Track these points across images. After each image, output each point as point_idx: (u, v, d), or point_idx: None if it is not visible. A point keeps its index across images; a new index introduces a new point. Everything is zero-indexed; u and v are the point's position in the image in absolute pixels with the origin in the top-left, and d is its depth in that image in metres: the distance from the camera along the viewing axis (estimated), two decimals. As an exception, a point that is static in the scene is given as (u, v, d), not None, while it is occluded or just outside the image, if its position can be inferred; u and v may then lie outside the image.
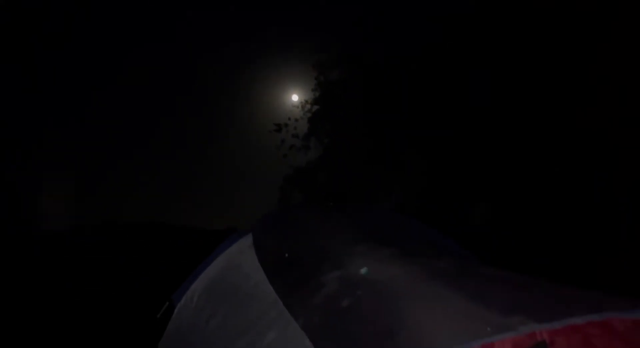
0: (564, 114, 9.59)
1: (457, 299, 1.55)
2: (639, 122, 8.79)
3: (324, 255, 1.77)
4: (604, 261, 7.85)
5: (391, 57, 10.14)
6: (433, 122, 9.71)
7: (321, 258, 1.75)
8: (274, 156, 11.86)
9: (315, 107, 12.34)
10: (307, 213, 2.28)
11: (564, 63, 9.65)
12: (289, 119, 12.62)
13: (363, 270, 1.59)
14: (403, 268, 1.75)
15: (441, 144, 9.78)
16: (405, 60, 9.97)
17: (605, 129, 9.25)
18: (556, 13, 9.83)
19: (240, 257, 1.98)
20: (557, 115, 9.69)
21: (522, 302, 1.48)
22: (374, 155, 10.88)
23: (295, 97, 12.87)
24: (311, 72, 12.16)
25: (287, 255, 1.90)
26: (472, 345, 1.34)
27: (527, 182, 9.92)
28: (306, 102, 12.35)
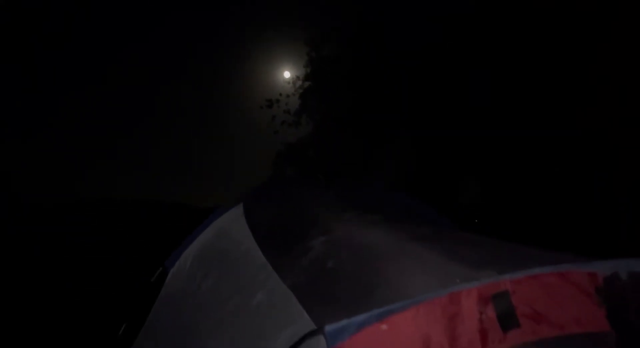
0: (564, 113, 9.69)
1: (432, 257, 1.70)
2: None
3: (311, 222, 1.91)
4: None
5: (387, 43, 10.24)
6: (429, 110, 9.80)
7: (309, 225, 1.90)
8: (266, 132, 11.96)
9: (307, 83, 12.38)
10: (297, 185, 2.43)
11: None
12: (281, 95, 12.77)
13: None
14: (384, 233, 1.90)
15: (435, 138, 9.87)
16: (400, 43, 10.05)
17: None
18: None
19: (231, 225, 2.12)
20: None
21: (489, 258, 1.63)
22: (365, 131, 10.96)
23: (287, 74, 12.98)
24: (303, 48, 12.26)
25: (276, 222, 2.05)
26: (442, 294, 1.49)
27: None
28: (297, 78, 12.48)
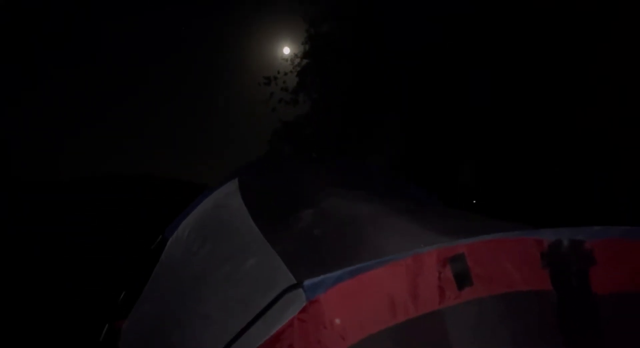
0: (564, 113, 9.88)
1: (407, 226, 1.98)
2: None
3: (301, 196, 2.18)
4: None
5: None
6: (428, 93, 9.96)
7: (299, 199, 2.16)
8: (263, 110, 12.07)
9: (305, 61, 12.49)
10: (290, 162, 2.70)
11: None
12: (278, 72, 12.86)
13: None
14: (368, 206, 2.17)
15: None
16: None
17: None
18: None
19: (227, 198, 2.39)
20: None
21: (454, 227, 1.91)
22: (362, 110, 11.10)
23: (286, 50, 13.07)
24: (302, 24, 12.25)
25: (269, 196, 2.32)
26: (406, 256, 1.77)
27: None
28: (296, 55, 12.59)
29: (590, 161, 10.00)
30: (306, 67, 12.59)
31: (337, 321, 1.74)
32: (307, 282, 1.72)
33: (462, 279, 1.77)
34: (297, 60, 12.73)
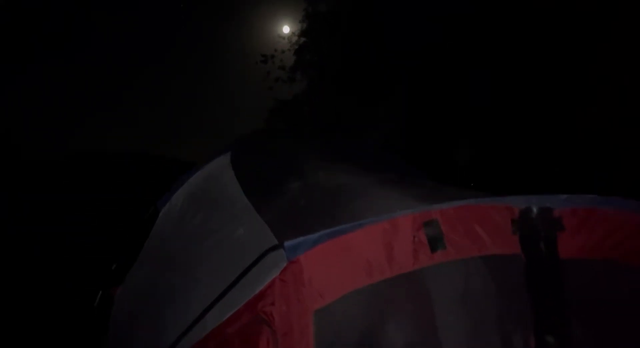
0: (564, 113, 9.95)
1: (387, 194, 2.10)
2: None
3: (291, 170, 2.29)
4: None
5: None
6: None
7: (288, 172, 2.27)
8: (260, 88, 12.02)
9: (302, 39, 12.47)
10: (282, 137, 2.81)
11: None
12: (276, 50, 12.82)
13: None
14: (353, 178, 2.28)
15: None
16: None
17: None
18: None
19: (219, 171, 2.50)
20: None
21: (431, 195, 2.02)
22: (359, 89, 11.09)
23: (284, 29, 13.00)
24: (300, 2, 12.24)
25: (259, 170, 2.43)
26: (382, 219, 1.89)
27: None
28: (293, 34, 12.54)
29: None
30: (304, 45, 12.49)
31: (316, 281, 1.84)
32: (287, 243, 1.83)
33: (435, 243, 1.87)
34: (295, 39, 12.65)
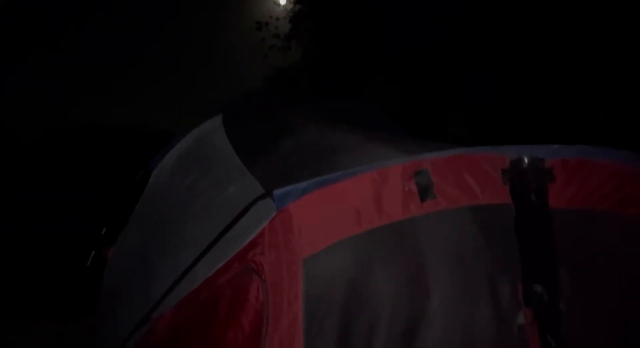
0: (564, 113, 9.97)
1: (376, 149, 2.10)
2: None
3: (283, 130, 2.29)
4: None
5: None
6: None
7: (280, 132, 2.28)
8: (254, 57, 11.79)
9: (298, 7, 12.18)
10: (274, 98, 2.82)
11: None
12: (270, 17, 12.42)
13: None
14: (346, 135, 2.28)
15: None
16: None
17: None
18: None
19: (210, 132, 2.50)
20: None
21: (420, 148, 2.03)
22: (355, 59, 10.98)
23: None
24: None
25: (252, 130, 2.44)
26: (371, 169, 1.89)
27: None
28: (288, 1, 12.33)
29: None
30: (299, 12, 12.19)
31: (305, 229, 1.85)
32: (276, 192, 1.84)
33: (425, 192, 1.88)
34: (290, 6, 12.39)
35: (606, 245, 1.94)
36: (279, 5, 12.60)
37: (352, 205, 1.86)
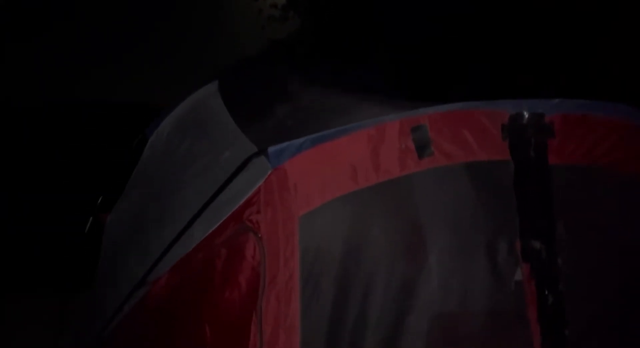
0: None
1: (373, 107, 2.04)
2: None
3: (280, 94, 2.23)
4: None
5: None
6: None
7: (277, 97, 2.21)
8: (251, 28, 11.49)
9: None
10: (271, 64, 2.76)
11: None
12: None
13: None
14: (342, 97, 2.22)
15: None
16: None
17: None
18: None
19: (206, 98, 2.43)
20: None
21: (418, 105, 1.96)
22: (355, 30, 10.78)
23: None
24: None
25: (248, 94, 2.37)
26: (368, 125, 1.83)
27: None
28: None
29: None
30: None
31: (301, 186, 1.78)
32: (270, 149, 1.78)
33: (423, 149, 1.82)
34: None
35: (605, 202, 1.88)
36: None
37: (348, 162, 1.80)
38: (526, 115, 1.86)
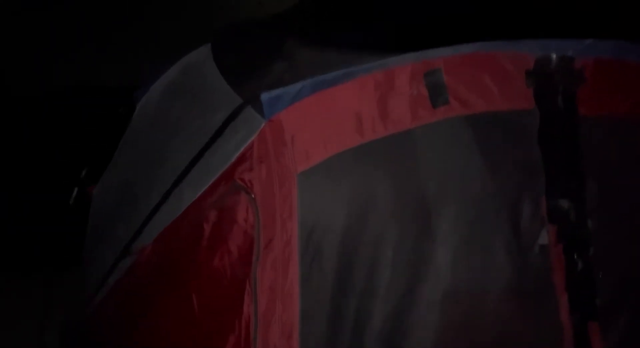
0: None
1: (379, 57, 1.78)
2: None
3: (276, 52, 1.99)
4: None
5: None
6: None
7: (273, 55, 1.97)
8: (249, 3, 11.24)
9: None
10: (267, 26, 2.52)
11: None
12: None
13: None
14: (344, 50, 1.97)
15: None
16: None
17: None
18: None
19: (198, 61, 2.20)
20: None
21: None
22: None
23: None
24: None
25: (243, 56, 2.13)
26: (375, 69, 1.58)
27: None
28: None
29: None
30: None
31: (299, 139, 1.54)
32: (264, 96, 1.53)
33: (437, 96, 1.58)
34: None
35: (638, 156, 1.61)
36: None
37: (352, 112, 1.57)
38: (554, 59, 1.60)
